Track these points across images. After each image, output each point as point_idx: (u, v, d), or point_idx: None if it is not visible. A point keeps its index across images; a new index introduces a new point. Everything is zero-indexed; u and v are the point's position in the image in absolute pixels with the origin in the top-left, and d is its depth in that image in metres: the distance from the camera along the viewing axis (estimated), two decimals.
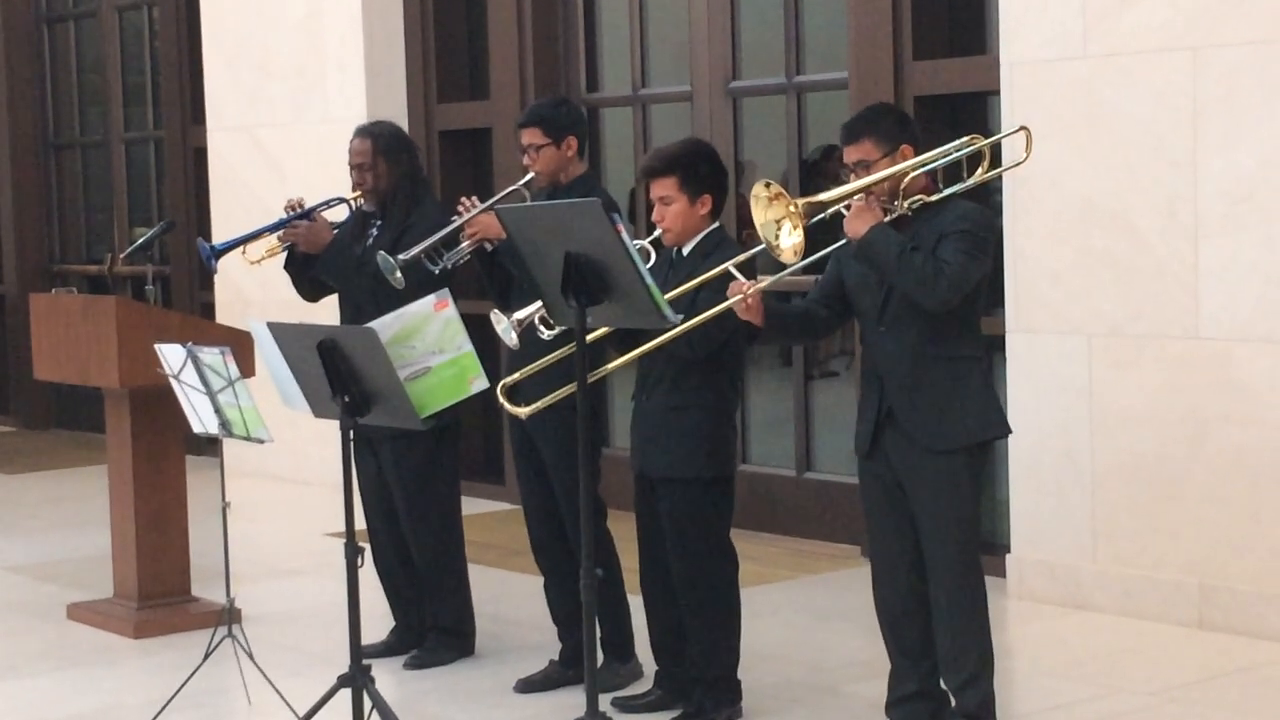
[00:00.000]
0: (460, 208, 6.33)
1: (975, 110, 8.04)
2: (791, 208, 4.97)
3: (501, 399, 5.60)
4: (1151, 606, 7.02)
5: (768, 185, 4.98)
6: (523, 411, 5.54)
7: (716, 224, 5.76)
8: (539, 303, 5.40)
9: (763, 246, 5.12)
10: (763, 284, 5.23)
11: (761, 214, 5.00)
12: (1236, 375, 6.75)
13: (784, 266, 5.14)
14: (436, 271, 6.31)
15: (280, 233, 6.81)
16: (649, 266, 5.25)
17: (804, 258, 5.05)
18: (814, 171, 9.40)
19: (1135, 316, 7.01)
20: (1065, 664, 6.58)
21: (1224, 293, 6.76)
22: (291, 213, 6.79)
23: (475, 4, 10.50)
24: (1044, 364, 7.29)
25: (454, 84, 10.61)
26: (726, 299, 5.26)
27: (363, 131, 6.80)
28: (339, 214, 6.95)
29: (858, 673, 6.48)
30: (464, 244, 6.29)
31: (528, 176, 6.36)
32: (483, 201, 6.32)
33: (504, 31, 10.04)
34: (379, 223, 6.74)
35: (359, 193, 6.79)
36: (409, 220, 6.61)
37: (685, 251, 5.72)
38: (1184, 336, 6.87)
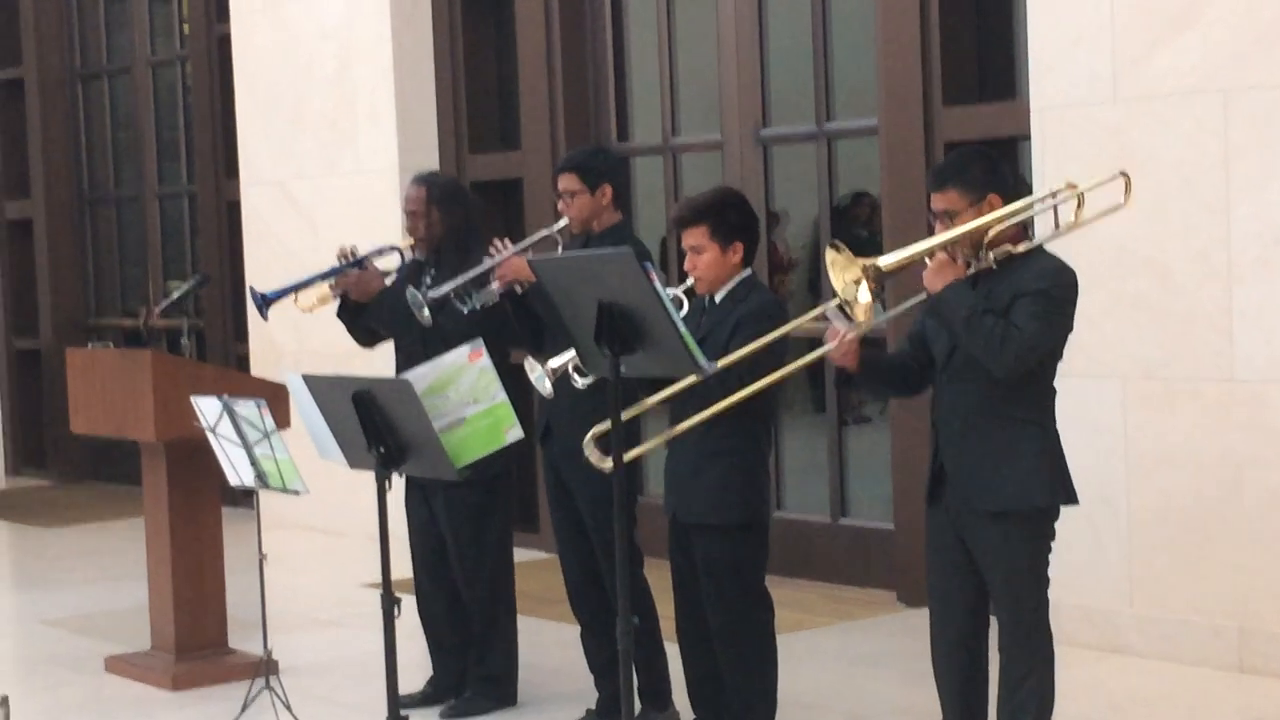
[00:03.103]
0: (492, 249, 6.37)
1: (1006, 155, 8.03)
2: (867, 266, 4.93)
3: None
4: (1190, 650, 6.98)
5: (838, 249, 4.91)
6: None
7: (748, 271, 5.76)
8: (573, 351, 5.41)
9: (834, 302, 5.07)
10: (859, 329, 5.09)
11: (839, 276, 4.92)
12: (1272, 417, 6.72)
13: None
14: (466, 311, 6.34)
15: (332, 281, 6.85)
16: (682, 315, 5.25)
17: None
18: (844, 218, 9.43)
19: (1169, 359, 6.99)
20: (1104, 709, 6.54)
21: (1258, 335, 6.74)
22: (344, 260, 6.83)
23: (505, 55, 10.55)
24: (1079, 407, 7.26)
25: (485, 135, 10.65)
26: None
27: (418, 180, 6.84)
28: (391, 261, 6.98)
29: None
30: (494, 285, 6.32)
31: (561, 222, 6.38)
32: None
33: (534, 82, 10.08)
34: (433, 271, 6.76)
35: (412, 240, 6.82)
36: (461, 269, 6.62)
37: (718, 299, 5.72)
38: (1218, 379, 6.85)
